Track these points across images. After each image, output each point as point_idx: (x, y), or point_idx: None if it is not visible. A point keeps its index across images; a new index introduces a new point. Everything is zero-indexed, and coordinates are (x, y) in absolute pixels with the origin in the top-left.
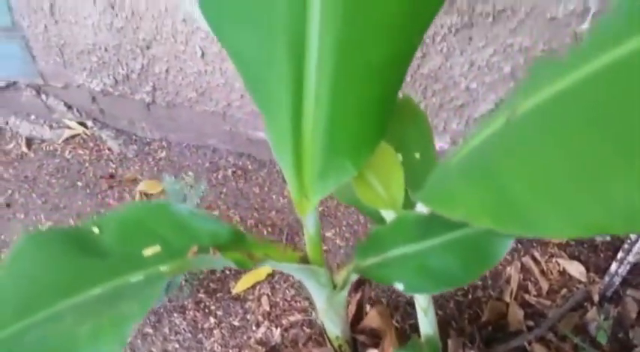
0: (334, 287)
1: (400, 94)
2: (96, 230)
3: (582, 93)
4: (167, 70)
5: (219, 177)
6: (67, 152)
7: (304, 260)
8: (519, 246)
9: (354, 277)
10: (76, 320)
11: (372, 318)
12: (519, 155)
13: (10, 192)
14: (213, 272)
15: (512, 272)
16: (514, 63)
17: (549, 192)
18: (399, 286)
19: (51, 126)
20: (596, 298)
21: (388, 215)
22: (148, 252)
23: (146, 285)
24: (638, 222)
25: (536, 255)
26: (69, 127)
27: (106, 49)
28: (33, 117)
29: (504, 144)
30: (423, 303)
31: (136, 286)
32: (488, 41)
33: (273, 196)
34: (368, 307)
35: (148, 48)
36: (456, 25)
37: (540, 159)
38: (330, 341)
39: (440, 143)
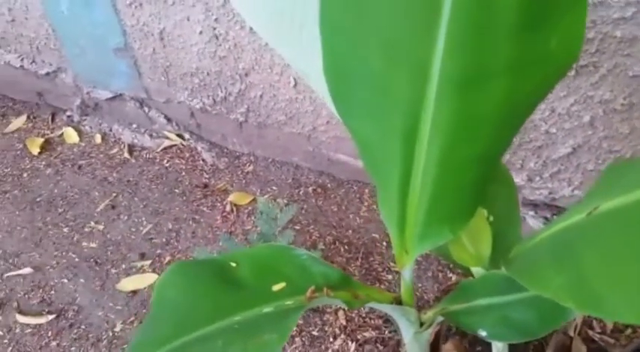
0: (421, 325)
1: None
2: (233, 264)
3: None
4: (261, 95)
5: (301, 193)
6: (165, 160)
7: (398, 300)
8: None
9: (440, 319)
10: (226, 342)
11: (448, 349)
12: (598, 248)
13: (114, 194)
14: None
15: None
16: (593, 113)
17: (621, 284)
18: (482, 333)
19: (151, 136)
20: None
21: (476, 270)
22: (277, 287)
23: (279, 318)
24: None
25: None
26: (167, 138)
27: (207, 74)
28: (135, 126)
29: (585, 235)
30: (499, 345)
31: (268, 316)
32: (570, 92)
33: (350, 215)
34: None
35: (246, 75)
36: None
37: (616, 254)
38: None
39: (516, 179)
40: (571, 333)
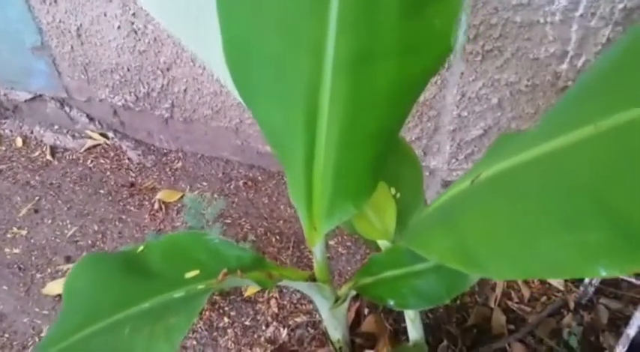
0: (336, 300)
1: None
2: (140, 249)
3: (531, 170)
4: (185, 90)
5: (232, 187)
6: (89, 161)
7: (312, 278)
8: None
9: (353, 293)
10: (133, 329)
11: (369, 324)
12: (477, 212)
13: (37, 198)
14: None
15: (498, 280)
16: (501, 95)
17: (498, 245)
18: (390, 303)
19: (73, 136)
20: (572, 305)
21: (382, 243)
22: (190, 274)
23: (188, 300)
24: (564, 273)
25: None
26: (91, 137)
27: (128, 69)
28: (56, 127)
29: (467, 201)
30: (411, 314)
31: (179, 301)
32: (478, 76)
33: (281, 206)
34: (366, 310)
35: (168, 70)
36: (449, 61)
37: (491, 217)
38: (332, 343)
39: (433, 162)
40: (491, 305)
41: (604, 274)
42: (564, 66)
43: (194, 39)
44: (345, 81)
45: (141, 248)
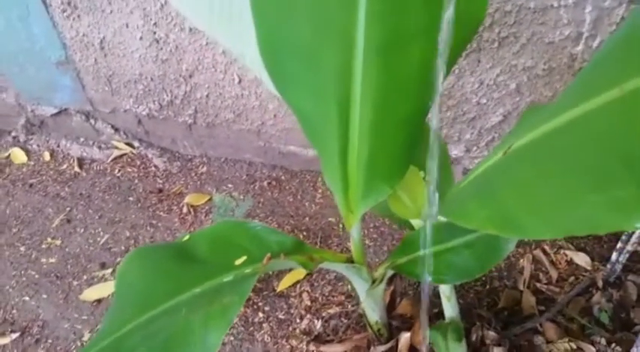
0: (373, 281)
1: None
2: (186, 239)
3: (559, 136)
4: (207, 95)
5: (256, 188)
6: (116, 170)
7: (350, 260)
8: (530, 240)
9: (390, 273)
10: (189, 310)
11: (404, 307)
12: (512, 180)
13: (68, 209)
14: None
15: (525, 263)
16: (519, 81)
17: (535, 207)
18: (428, 278)
19: (100, 147)
20: (600, 284)
21: (415, 222)
22: (239, 261)
23: (238, 283)
24: (598, 229)
25: (546, 247)
26: (116, 148)
27: (151, 79)
28: (82, 139)
29: (501, 171)
30: (446, 292)
31: (229, 284)
32: (495, 63)
33: (306, 204)
34: (398, 299)
35: (190, 77)
36: (466, 50)
37: (525, 183)
38: (370, 325)
39: (455, 151)
40: (520, 287)
41: (638, 226)
42: (580, 48)
43: (227, 33)
44: (376, 67)
45: (186, 237)
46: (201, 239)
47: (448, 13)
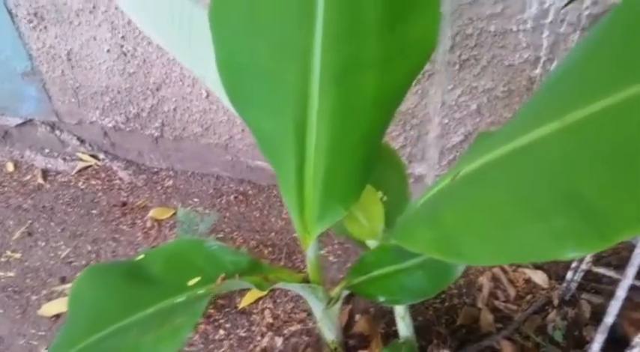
0: (329, 300)
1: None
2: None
3: (503, 165)
4: (175, 109)
5: (223, 202)
6: (80, 183)
7: (306, 280)
8: None
9: (346, 292)
10: (140, 331)
11: (361, 325)
12: (458, 206)
13: (30, 221)
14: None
15: (484, 281)
16: (479, 102)
17: (477, 234)
18: (380, 299)
19: (65, 159)
20: (556, 302)
21: (372, 243)
22: (192, 282)
23: (190, 304)
24: (536, 258)
25: (505, 265)
26: (81, 160)
27: (118, 91)
28: (47, 150)
29: (448, 197)
30: (400, 312)
31: (181, 305)
32: (456, 84)
33: (272, 219)
34: (357, 316)
35: (157, 90)
36: (428, 71)
37: (469, 209)
38: (327, 345)
39: (418, 169)
40: (479, 305)
41: (573, 255)
42: (538, 71)
43: (188, 55)
44: (332, 90)
45: (141, 256)
46: (156, 258)
47: None
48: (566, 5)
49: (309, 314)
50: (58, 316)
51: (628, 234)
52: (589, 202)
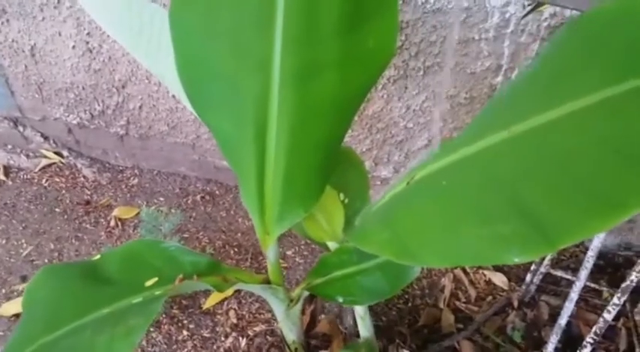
0: (290, 301)
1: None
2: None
3: (453, 171)
4: (141, 107)
5: (189, 202)
6: (44, 180)
7: (267, 281)
8: None
9: (306, 293)
10: (94, 332)
11: (323, 326)
12: (410, 210)
13: None
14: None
15: (446, 282)
16: (442, 108)
17: (427, 237)
18: (340, 300)
19: (28, 156)
20: (515, 303)
21: (332, 245)
22: (149, 283)
23: (146, 305)
24: (482, 261)
25: (466, 267)
26: (45, 156)
27: (83, 88)
28: (10, 146)
29: (403, 201)
30: (360, 312)
31: (137, 305)
32: (421, 90)
33: (239, 219)
34: (321, 316)
35: (123, 87)
36: (394, 76)
37: (421, 213)
38: (287, 345)
39: (384, 172)
40: (441, 305)
41: (516, 261)
42: (499, 78)
43: (146, 54)
44: (292, 93)
45: (97, 257)
46: (113, 258)
47: None
48: (525, 15)
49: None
50: (17, 315)
51: (571, 239)
52: (534, 209)
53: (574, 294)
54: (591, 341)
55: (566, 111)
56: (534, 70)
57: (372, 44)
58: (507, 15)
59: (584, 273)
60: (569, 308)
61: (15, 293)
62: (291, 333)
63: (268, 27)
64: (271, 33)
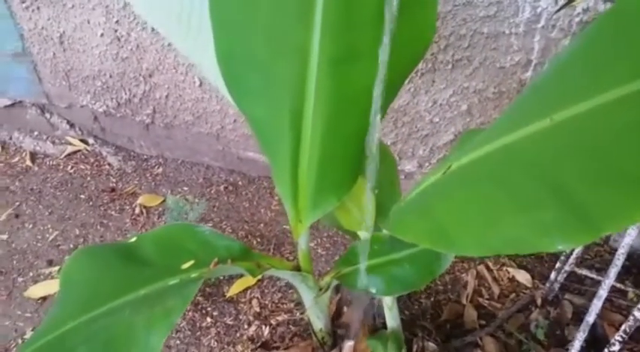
0: (319, 289)
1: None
2: (133, 241)
3: (493, 160)
4: (167, 96)
5: (212, 192)
6: (69, 167)
7: (297, 268)
8: (475, 256)
9: (335, 282)
10: (132, 312)
11: (349, 315)
12: (448, 199)
13: (17, 203)
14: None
15: (469, 278)
16: (470, 102)
17: (466, 225)
18: (372, 290)
19: (54, 142)
20: (539, 301)
21: (362, 234)
22: (185, 265)
23: (183, 287)
24: (522, 249)
25: (490, 264)
26: (71, 144)
27: (110, 76)
28: (36, 133)
29: (440, 190)
30: (388, 302)
31: (174, 287)
32: (448, 84)
33: (262, 210)
34: (345, 307)
35: (150, 76)
36: (421, 69)
37: (460, 202)
38: (314, 333)
39: (408, 166)
40: (463, 301)
41: (560, 248)
42: (529, 73)
43: (186, 42)
44: (329, 81)
45: (133, 239)
46: (149, 241)
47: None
48: (558, 10)
49: (297, 304)
50: (44, 298)
51: (613, 227)
52: (576, 196)
53: (603, 292)
54: (620, 339)
55: (609, 99)
56: (573, 58)
57: (410, 32)
58: (539, 9)
59: (613, 271)
60: (597, 305)
61: (42, 277)
62: (318, 321)
63: (307, 14)
64: (310, 20)
